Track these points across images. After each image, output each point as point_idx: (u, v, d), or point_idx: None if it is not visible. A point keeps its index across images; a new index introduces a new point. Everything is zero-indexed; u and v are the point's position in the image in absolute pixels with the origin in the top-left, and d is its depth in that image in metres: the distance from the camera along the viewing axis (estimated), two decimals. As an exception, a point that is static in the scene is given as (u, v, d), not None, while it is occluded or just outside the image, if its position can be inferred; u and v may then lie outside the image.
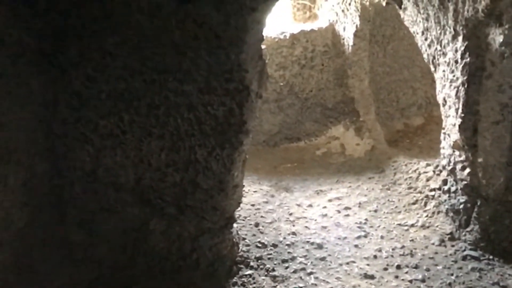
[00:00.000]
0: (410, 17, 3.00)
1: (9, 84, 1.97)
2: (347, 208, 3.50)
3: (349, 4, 4.08)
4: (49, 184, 2.38)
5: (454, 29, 2.52)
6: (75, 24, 2.05)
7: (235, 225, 2.82)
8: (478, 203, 2.63)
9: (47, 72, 2.14)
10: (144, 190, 2.48)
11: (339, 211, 3.47)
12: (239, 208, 2.86)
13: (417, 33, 2.95)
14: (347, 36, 4.31)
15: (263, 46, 2.43)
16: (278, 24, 4.68)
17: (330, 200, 3.65)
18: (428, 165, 3.53)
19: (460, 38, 2.49)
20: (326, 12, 4.54)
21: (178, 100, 2.26)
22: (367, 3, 3.77)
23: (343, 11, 4.22)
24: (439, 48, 2.74)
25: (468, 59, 2.45)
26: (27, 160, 2.18)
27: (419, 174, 3.55)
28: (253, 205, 3.59)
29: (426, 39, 2.88)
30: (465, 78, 2.48)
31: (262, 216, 3.41)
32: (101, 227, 2.55)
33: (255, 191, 3.82)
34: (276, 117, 4.58)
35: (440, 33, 2.69)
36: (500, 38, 2.23)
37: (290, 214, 3.47)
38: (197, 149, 2.40)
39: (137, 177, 2.44)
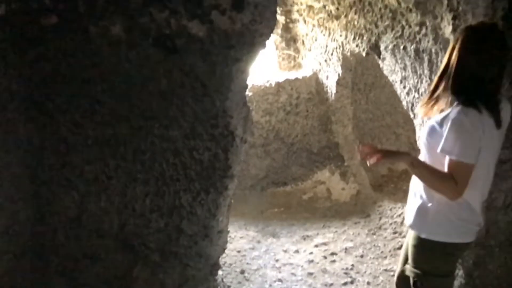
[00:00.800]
0: (389, 66, 3.13)
1: (6, 132, 2.00)
2: (333, 254, 3.50)
3: (331, 54, 4.23)
4: (31, 231, 2.36)
5: (430, 78, 2.63)
6: (65, 72, 2.11)
7: (220, 272, 2.80)
8: (461, 247, 2.65)
9: (35, 119, 2.17)
10: (128, 236, 2.46)
11: (325, 257, 3.46)
12: (224, 255, 2.84)
13: (396, 82, 3.07)
14: (330, 84, 4.44)
15: (248, 93, 2.51)
16: (264, 72, 4.83)
17: (316, 246, 3.65)
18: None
19: (436, 86, 2.59)
20: (310, 62, 4.70)
21: (164, 146, 2.30)
22: (348, 54, 3.92)
23: (325, 60, 4.38)
24: (416, 95, 2.85)
25: (444, 106, 2.54)
26: (10, 206, 2.18)
27: (404, 218, 3.58)
28: (238, 251, 3.56)
29: (404, 87, 2.99)
30: (442, 124, 2.56)
31: (248, 263, 3.38)
32: (84, 275, 2.51)
33: (241, 237, 3.81)
34: (263, 162, 4.63)
35: (417, 82, 2.80)
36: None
37: (277, 261, 3.45)
38: (182, 194, 2.42)
39: (121, 223, 2.44)
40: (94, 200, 2.37)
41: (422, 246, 2.02)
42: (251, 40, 2.22)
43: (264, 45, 2.23)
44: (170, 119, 2.24)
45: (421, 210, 2.00)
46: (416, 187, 2.04)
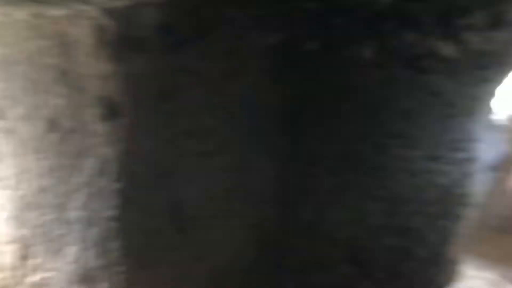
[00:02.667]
0: None
1: (260, 138, 2.36)
2: None
3: None
4: (274, 230, 2.66)
5: None
6: (318, 91, 2.37)
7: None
8: None
9: (288, 131, 2.48)
10: (358, 250, 2.55)
11: None
12: (451, 288, 2.68)
13: None
14: None
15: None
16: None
17: None
18: None
19: None
20: None
21: (402, 165, 2.34)
22: None
23: None
24: None
25: None
26: (261, 203, 2.51)
27: None
28: (469, 290, 3.29)
29: None
30: None
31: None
32: (311, 281, 2.69)
33: (478, 278, 3.51)
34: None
35: None
36: None
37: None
38: (414, 216, 2.41)
39: (353, 235, 2.54)
40: (329, 210, 2.55)
41: None
42: (503, 60, 2.11)
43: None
44: (411, 139, 2.28)
45: None
46: None
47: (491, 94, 2.25)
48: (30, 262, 2.39)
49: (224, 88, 2.17)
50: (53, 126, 2.13)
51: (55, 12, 1.89)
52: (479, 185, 2.33)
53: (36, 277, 2.35)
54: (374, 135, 2.34)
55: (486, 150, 2.28)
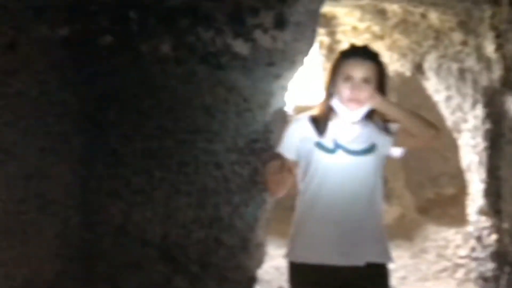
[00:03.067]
0: (433, 86, 3.12)
1: (54, 141, 2.16)
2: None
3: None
4: (80, 238, 2.50)
5: (473, 97, 2.60)
6: (116, 88, 2.26)
7: (257, 287, 2.82)
8: (506, 270, 2.56)
9: (87, 131, 2.33)
10: (170, 246, 2.55)
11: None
12: (262, 271, 2.87)
13: (440, 101, 3.05)
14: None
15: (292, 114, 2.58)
16: (309, 93, 4.89)
17: (357, 266, 3.60)
18: (457, 233, 3.47)
19: (480, 106, 2.57)
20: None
21: (207, 159, 2.39)
22: (393, 74, 3.93)
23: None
24: (461, 115, 2.81)
25: (488, 126, 2.51)
26: (62, 212, 2.33)
27: (448, 241, 3.49)
28: (277, 268, 3.58)
29: (448, 107, 2.97)
30: (486, 144, 2.53)
31: (285, 280, 3.38)
32: (126, 283, 2.61)
33: (279, 255, 3.81)
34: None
35: (461, 101, 2.78)
36: (515, 105, 2.30)
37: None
38: (222, 206, 2.49)
39: (164, 233, 2.53)
40: (139, 210, 2.48)
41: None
42: (292, 58, 2.30)
43: (302, 62, 2.30)
44: (213, 133, 2.33)
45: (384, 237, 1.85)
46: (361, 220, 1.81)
47: (284, 89, 2.43)
48: None
49: (3, 86, 1.92)
50: None
51: None
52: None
53: None
54: (178, 131, 2.34)
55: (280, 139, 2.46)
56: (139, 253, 2.55)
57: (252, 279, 2.69)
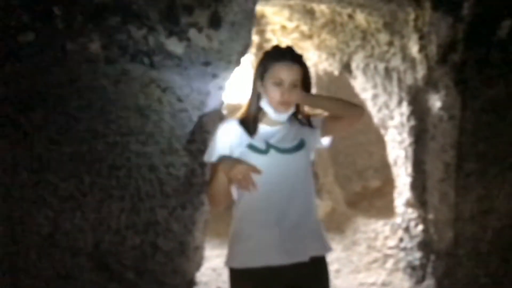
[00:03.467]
0: (360, 84, 3.24)
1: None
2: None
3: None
4: (3, 250, 2.31)
5: (399, 95, 2.74)
6: (41, 88, 2.11)
7: (196, 289, 2.78)
8: (432, 258, 2.73)
9: (9, 136, 2.16)
10: (103, 254, 2.43)
11: (301, 272, 3.48)
12: (200, 273, 2.83)
13: (367, 99, 3.17)
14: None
15: (224, 112, 2.56)
16: (240, 91, 4.88)
17: (292, 262, 3.66)
18: (385, 224, 3.64)
19: (405, 103, 2.70)
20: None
21: (140, 162, 2.30)
22: (322, 73, 4.03)
23: (299, 79, 4.48)
24: (387, 112, 2.95)
25: (413, 122, 2.65)
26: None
27: (377, 233, 3.65)
28: (214, 269, 3.55)
29: (375, 105, 3.10)
30: (411, 139, 2.66)
31: (223, 281, 3.37)
32: (58, 296, 2.46)
33: (217, 256, 3.79)
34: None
35: (387, 99, 2.91)
36: (438, 103, 2.45)
37: (252, 278, 3.44)
38: (158, 210, 2.42)
39: (96, 240, 2.41)
40: (68, 218, 2.34)
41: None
42: (228, 57, 2.28)
43: (239, 62, 2.29)
44: (146, 135, 2.26)
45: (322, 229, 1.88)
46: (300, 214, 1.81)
47: (220, 89, 2.41)
48: None
49: None
50: None
51: None
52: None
53: None
54: (109, 133, 2.24)
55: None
56: (70, 264, 2.41)
57: (191, 283, 2.64)
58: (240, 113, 1.86)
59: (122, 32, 2.11)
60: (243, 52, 2.27)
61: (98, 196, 2.32)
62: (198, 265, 2.70)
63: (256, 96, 1.83)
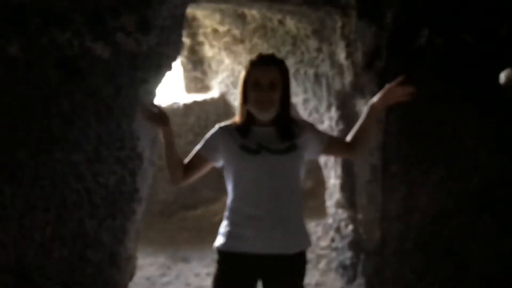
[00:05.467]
0: (291, 89, 3.29)
1: None
2: (244, 273, 3.52)
3: (238, 77, 4.35)
4: None
5: (328, 100, 2.82)
6: (-49, 94, 1.96)
7: (129, 300, 2.70)
8: (362, 258, 2.83)
9: None
10: (27, 269, 2.30)
11: (236, 277, 3.47)
12: (132, 284, 2.75)
13: (298, 103, 3.24)
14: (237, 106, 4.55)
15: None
16: (171, 94, 4.82)
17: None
18: (317, 225, 3.72)
19: (334, 108, 2.79)
20: (217, 84, 4.79)
21: (65, 170, 2.20)
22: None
23: (232, 83, 4.49)
24: (317, 116, 3.03)
25: (341, 126, 2.74)
26: None
27: (310, 234, 3.73)
28: (148, 278, 3.47)
29: (306, 109, 3.17)
30: (341, 143, 2.75)
31: (157, 290, 3.30)
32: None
33: (150, 264, 3.70)
34: (171, 186, 4.56)
35: (317, 104, 2.99)
36: (364, 108, 2.54)
37: (188, 285, 3.40)
38: (86, 221, 2.32)
39: (19, 255, 2.27)
40: (-14, 232, 2.19)
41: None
42: (158, 62, 2.24)
43: (170, 67, 2.26)
44: (72, 143, 2.16)
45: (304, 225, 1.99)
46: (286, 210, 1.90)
47: (151, 94, 2.35)
48: None
49: None
50: None
51: None
52: (144, 179, 2.42)
53: None
54: (31, 141, 2.11)
55: (147, 146, 2.38)
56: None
57: (123, 294, 2.56)
58: (235, 118, 1.98)
59: (44, 35, 2.00)
60: (174, 56, 2.23)
61: (21, 208, 2.19)
62: (130, 275, 2.62)
63: (244, 102, 1.94)
